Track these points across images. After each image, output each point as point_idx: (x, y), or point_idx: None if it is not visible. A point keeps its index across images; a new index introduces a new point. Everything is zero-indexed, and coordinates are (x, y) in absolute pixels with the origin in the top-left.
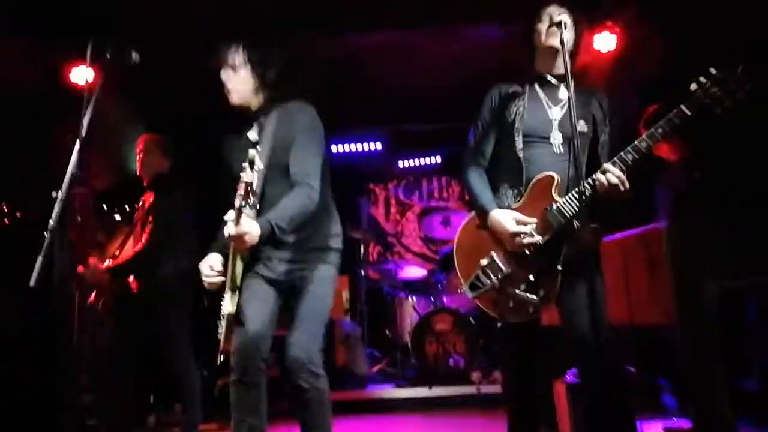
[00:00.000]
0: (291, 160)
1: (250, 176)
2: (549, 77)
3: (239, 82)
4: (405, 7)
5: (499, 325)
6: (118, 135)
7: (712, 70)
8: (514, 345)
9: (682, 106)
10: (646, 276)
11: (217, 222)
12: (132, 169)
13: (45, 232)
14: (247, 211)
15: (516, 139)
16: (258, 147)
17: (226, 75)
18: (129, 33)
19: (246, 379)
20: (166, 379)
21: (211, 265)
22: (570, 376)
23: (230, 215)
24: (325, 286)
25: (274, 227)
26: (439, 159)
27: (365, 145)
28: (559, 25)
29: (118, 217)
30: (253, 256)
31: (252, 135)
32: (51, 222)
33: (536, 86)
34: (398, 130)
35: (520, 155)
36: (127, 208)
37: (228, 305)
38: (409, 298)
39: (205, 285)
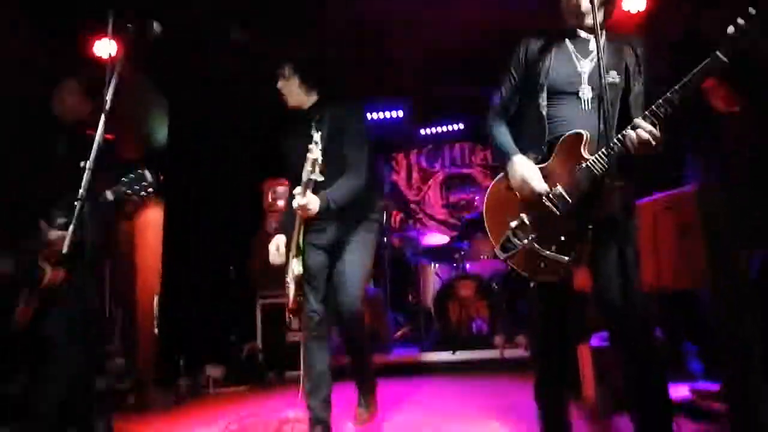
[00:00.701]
0: (346, 149)
1: (316, 153)
2: (579, 30)
3: (292, 90)
4: None
5: (531, 284)
6: (142, 107)
7: (751, 10)
8: (545, 305)
9: (717, 52)
10: (675, 239)
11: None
12: (157, 140)
13: (75, 202)
14: (316, 175)
15: (540, 95)
16: (318, 135)
17: (281, 84)
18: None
19: (315, 334)
20: (195, 344)
21: (278, 245)
22: (594, 340)
23: (298, 189)
24: (365, 249)
25: (330, 202)
26: (461, 125)
27: (387, 113)
28: None
29: None
30: (310, 227)
31: (314, 132)
32: (80, 191)
33: (566, 40)
34: (420, 97)
35: (543, 112)
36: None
37: (296, 268)
38: (432, 264)
39: (272, 262)
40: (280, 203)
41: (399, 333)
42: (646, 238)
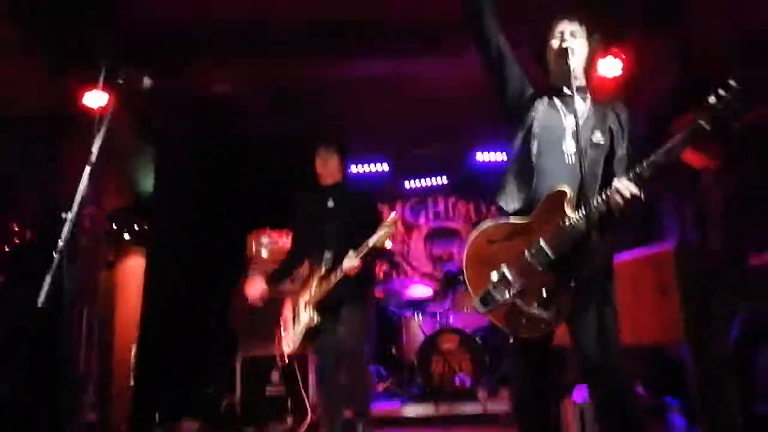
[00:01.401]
0: (361, 226)
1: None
2: (565, 89)
3: (333, 166)
4: (409, 36)
5: (511, 340)
6: (130, 156)
7: (732, 82)
8: (526, 361)
9: (701, 120)
10: (655, 296)
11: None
12: (143, 189)
13: (54, 253)
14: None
15: (533, 142)
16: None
17: (322, 162)
18: (142, 58)
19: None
20: (172, 397)
21: (261, 284)
22: (577, 394)
23: (352, 253)
24: (364, 316)
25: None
26: (445, 179)
27: (372, 166)
28: (566, 50)
29: (127, 236)
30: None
31: (330, 204)
32: (60, 242)
33: (554, 97)
34: (405, 151)
35: (534, 161)
36: (137, 228)
37: (313, 318)
38: (415, 316)
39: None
40: (264, 254)
41: (381, 386)
42: (626, 294)
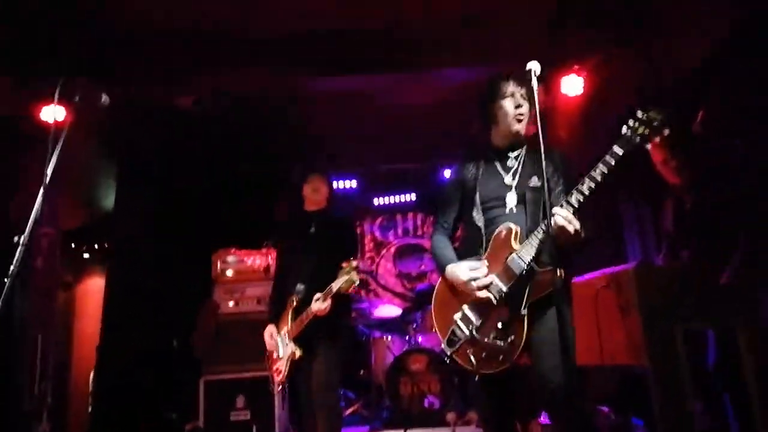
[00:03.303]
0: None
1: (355, 278)
2: (504, 151)
3: (324, 192)
4: (378, 53)
5: (476, 378)
6: (88, 173)
7: (638, 112)
8: (492, 391)
9: (615, 146)
10: (616, 316)
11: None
12: (103, 207)
13: (5, 278)
14: (342, 290)
15: (474, 209)
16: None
17: (314, 189)
18: (101, 72)
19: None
20: (132, 423)
21: (271, 333)
22: (544, 417)
23: (319, 296)
24: (338, 351)
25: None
26: (414, 197)
27: (341, 183)
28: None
29: (86, 255)
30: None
31: (312, 230)
32: (12, 267)
33: (491, 157)
34: (373, 168)
35: (479, 224)
36: (96, 247)
37: (295, 352)
38: (384, 337)
39: (269, 349)
40: (229, 273)
41: (349, 410)
42: (588, 314)
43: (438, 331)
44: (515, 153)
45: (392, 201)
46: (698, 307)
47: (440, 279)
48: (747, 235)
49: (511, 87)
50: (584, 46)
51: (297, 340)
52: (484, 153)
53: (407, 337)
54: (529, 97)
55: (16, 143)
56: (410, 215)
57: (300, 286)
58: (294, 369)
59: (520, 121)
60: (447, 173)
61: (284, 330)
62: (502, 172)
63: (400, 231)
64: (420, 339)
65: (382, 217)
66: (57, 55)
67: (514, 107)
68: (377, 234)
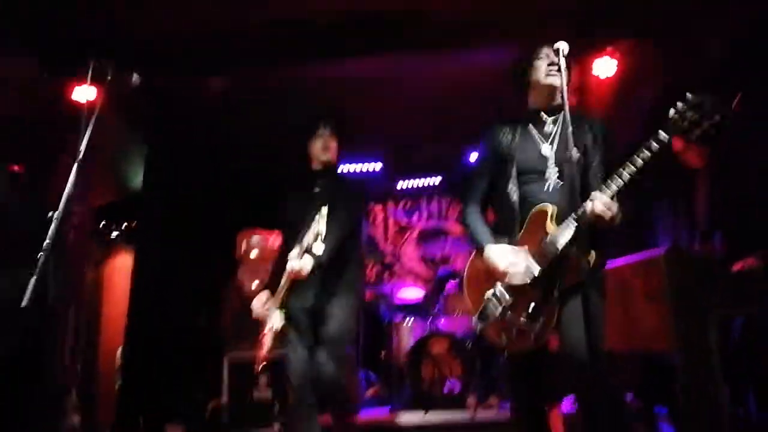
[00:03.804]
0: (336, 216)
1: (321, 226)
2: (542, 113)
3: (334, 148)
4: (404, 34)
5: (505, 355)
6: (119, 152)
7: (688, 95)
8: (520, 372)
9: (660, 132)
10: (645, 303)
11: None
12: (131, 185)
13: (40, 253)
14: (317, 248)
15: (510, 182)
16: (325, 209)
17: (323, 144)
18: (132, 54)
19: (303, 400)
20: (158, 400)
21: (263, 300)
22: (565, 405)
23: (294, 252)
24: (349, 313)
25: (321, 262)
26: (439, 180)
27: (365, 165)
28: (559, 66)
29: (115, 234)
30: (296, 287)
31: (316, 189)
32: (46, 241)
33: (529, 123)
34: (398, 150)
35: (514, 198)
36: (125, 225)
37: (277, 321)
38: (406, 320)
39: (255, 316)
40: (254, 254)
41: (370, 391)
42: (617, 301)
43: (470, 304)
44: (553, 117)
45: (417, 184)
46: (729, 293)
47: (474, 253)
48: None
49: (545, 50)
50: (613, 32)
51: (284, 309)
52: (521, 117)
53: (429, 321)
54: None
55: (50, 123)
56: (435, 199)
57: (296, 250)
58: (280, 342)
59: (553, 75)
60: (473, 156)
61: (273, 299)
62: (539, 140)
63: (424, 214)
64: (442, 322)
65: (406, 201)
66: (87, 38)
67: (547, 64)
68: (401, 216)
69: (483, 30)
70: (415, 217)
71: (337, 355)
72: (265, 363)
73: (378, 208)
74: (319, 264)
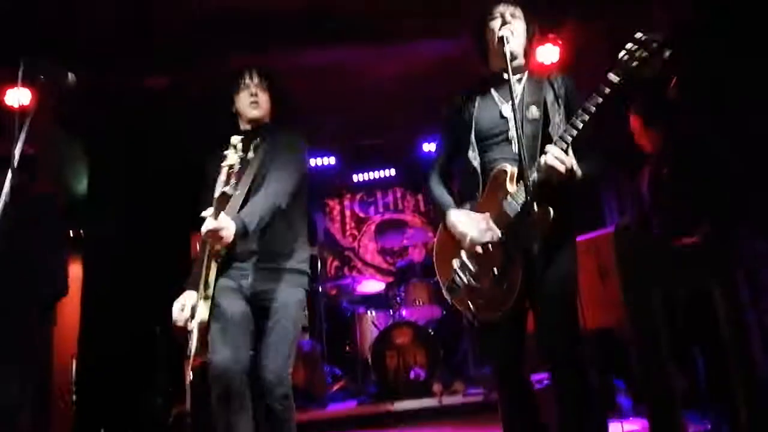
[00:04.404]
0: (272, 167)
1: (232, 159)
2: (502, 74)
3: (264, 102)
4: (355, 25)
5: (475, 324)
6: (59, 156)
7: (638, 33)
8: (492, 341)
9: (610, 74)
10: (597, 279)
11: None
12: (75, 192)
13: None
14: (230, 188)
15: (470, 149)
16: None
17: (249, 96)
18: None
19: (237, 404)
20: (117, 410)
21: (183, 304)
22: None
23: (208, 211)
24: (295, 308)
25: (245, 224)
26: (393, 171)
27: (320, 160)
28: (504, 35)
29: None
30: (227, 268)
31: (235, 140)
32: None
33: (489, 86)
34: (352, 144)
35: (474, 164)
36: (71, 234)
37: (202, 313)
38: (368, 312)
39: (174, 326)
40: None
41: (336, 386)
42: None
43: (440, 279)
44: (514, 80)
45: (372, 177)
46: (674, 270)
47: (441, 224)
48: (718, 202)
49: (500, 8)
50: (554, 18)
51: (219, 295)
52: (480, 83)
53: (391, 312)
54: (524, 20)
55: None
56: (390, 191)
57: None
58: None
59: (505, 39)
60: (426, 147)
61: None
62: (499, 102)
63: (380, 206)
64: (404, 313)
65: (362, 194)
66: (16, 37)
67: (500, 25)
68: (357, 210)
69: (428, 21)
70: (371, 210)
71: (283, 354)
72: (194, 365)
73: (334, 202)
74: (245, 230)
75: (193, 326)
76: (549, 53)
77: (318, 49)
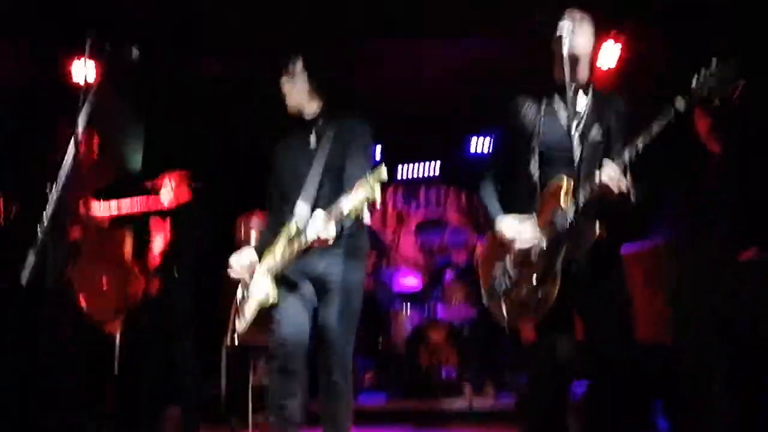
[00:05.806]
0: (347, 166)
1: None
2: (567, 88)
3: (295, 90)
4: (407, 18)
5: (508, 331)
6: (117, 131)
7: (714, 60)
8: (535, 351)
9: (677, 98)
10: (642, 293)
11: None
12: (130, 167)
13: (38, 228)
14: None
15: (532, 161)
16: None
17: (285, 80)
18: (130, 29)
19: (289, 367)
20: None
21: (249, 258)
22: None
23: (321, 214)
24: (358, 288)
25: (343, 227)
26: (437, 167)
27: None
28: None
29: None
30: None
31: (312, 142)
32: (44, 220)
33: (555, 97)
34: (397, 138)
35: (534, 178)
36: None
37: (272, 294)
38: (403, 308)
39: (233, 274)
40: (254, 237)
41: (367, 378)
42: None
43: (481, 283)
44: (580, 94)
45: (415, 171)
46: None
47: (488, 233)
48: None
49: (569, 17)
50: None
51: (281, 279)
52: (547, 91)
53: (426, 309)
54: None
55: (48, 100)
56: (433, 187)
57: (302, 207)
58: (261, 320)
59: (576, 43)
60: (473, 144)
61: (263, 266)
62: (564, 117)
63: (422, 202)
64: (439, 311)
65: (404, 188)
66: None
67: (568, 32)
68: (399, 204)
69: (482, 16)
70: (413, 205)
71: (347, 342)
72: (238, 342)
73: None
74: (343, 227)
75: (251, 305)
76: (610, 54)
77: (369, 38)
